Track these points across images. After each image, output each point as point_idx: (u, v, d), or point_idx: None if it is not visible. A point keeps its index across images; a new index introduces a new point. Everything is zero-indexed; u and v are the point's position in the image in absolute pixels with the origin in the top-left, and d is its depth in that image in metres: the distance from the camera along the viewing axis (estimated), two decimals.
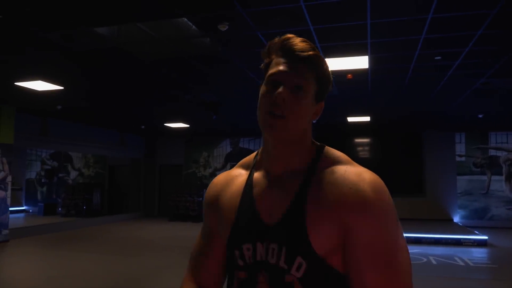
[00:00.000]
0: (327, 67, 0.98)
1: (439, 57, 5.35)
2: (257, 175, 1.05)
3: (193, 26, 4.33)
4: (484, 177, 11.93)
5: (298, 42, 0.94)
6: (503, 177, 11.80)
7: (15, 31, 4.42)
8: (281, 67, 0.94)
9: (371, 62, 5.52)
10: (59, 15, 4.04)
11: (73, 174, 15.10)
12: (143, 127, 11.88)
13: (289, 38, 0.96)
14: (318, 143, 1.03)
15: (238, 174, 1.11)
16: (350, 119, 10.03)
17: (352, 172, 0.92)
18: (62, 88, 6.86)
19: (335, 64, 5.53)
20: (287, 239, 0.91)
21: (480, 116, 9.53)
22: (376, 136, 12.72)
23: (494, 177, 11.86)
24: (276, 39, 0.98)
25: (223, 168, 14.05)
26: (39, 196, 15.37)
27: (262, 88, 0.97)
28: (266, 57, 1.01)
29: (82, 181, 14.77)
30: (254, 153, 1.13)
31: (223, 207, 1.06)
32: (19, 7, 3.83)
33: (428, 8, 3.86)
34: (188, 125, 11.38)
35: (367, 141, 12.97)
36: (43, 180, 15.43)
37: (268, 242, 0.94)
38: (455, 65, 5.67)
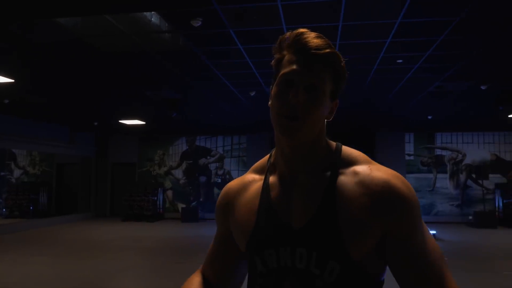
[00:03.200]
0: (343, 64, 0.94)
1: (400, 61, 5.58)
2: (272, 178, 1.01)
3: (157, 20, 4.21)
4: (431, 175, 12.62)
5: (312, 38, 0.90)
6: (448, 175, 12.54)
7: None
8: (295, 66, 0.90)
9: None
10: (19, 6, 3.77)
11: (17, 172, 14.21)
12: (96, 123, 11.39)
13: (302, 33, 0.91)
14: (334, 142, 1.02)
15: (252, 180, 1.07)
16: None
17: (378, 171, 0.92)
18: (12, 81, 6.42)
19: None
20: (318, 243, 0.89)
21: (430, 117, 10.07)
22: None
23: (439, 175, 12.57)
24: (288, 34, 0.93)
25: (179, 166, 13.82)
26: None
27: (275, 88, 0.93)
28: (277, 52, 0.96)
29: (27, 180, 13.94)
30: (267, 156, 1.09)
31: (240, 214, 1.03)
32: None
33: (398, 13, 4.00)
34: (144, 122, 11.07)
35: None
36: None
37: (294, 246, 0.91)
38: (414, 69, 5.93)
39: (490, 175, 12.05)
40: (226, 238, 1.08)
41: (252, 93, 7.51)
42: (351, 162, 0.95)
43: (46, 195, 13.15)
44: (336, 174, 0.93)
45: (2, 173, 14.27)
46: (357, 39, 4.80)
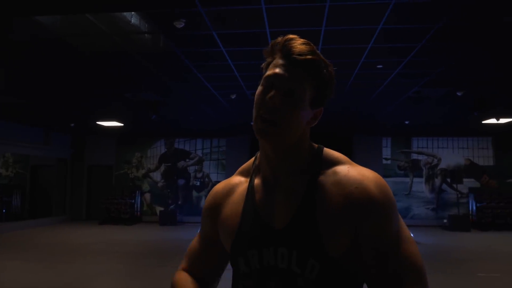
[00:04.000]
0: (328, 71, 0.94)
1: (380, 66, 5.67)
2: (257, 180, 1.04)
3: (137, 20, 4.16)
4: (407, 179, 12.85)
5: (298, 44, 0.92)
6: (423, 179, 12.80)
7: None
8: (277, 70, 0.92)
9: None
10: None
11: None
12: (72, 125, 11.15)
13: (291, 39, 0.93)
14: (316, 145, 1.04)
15: (239, 182, 1.09)
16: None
17: (354, 171, 0.94)
18: None
19: None
20: (298, 242, 0.91)
21: (407, 122, 10.26)
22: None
23: (415, 179, 12.82)
24: (280, 39, 0.95)
25: (157, 169, 13.66)
26: None
27: (258, 89, 0.95)
28: (268, 56, 0.98)
29: (0, 182, 13.50)
30: (253, 158, 1.11)
31: (225, 216, 1.05)
32: None
33: (379, 19, 4.07)
34: (122, 124, 10.89)
35: None
36: None
37: (276, 246, 0.93)
38: (393, 74, 6.04)
39: (464, 180, 12.35)
40: (213, 240, 1.09)
41: (233, 96, 7.50)
42: (332, 163, 0.98)
43: (20, 198, 12.77)
44: (317, 175, 0.96)
45: None
46: (339, 43, 4.85)
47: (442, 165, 12.75)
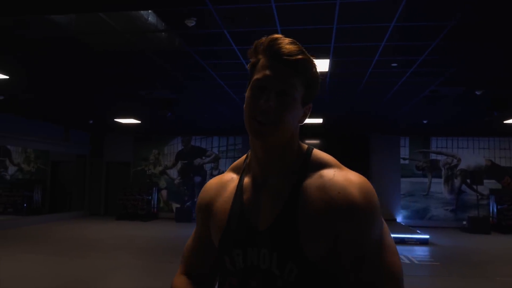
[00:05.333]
0: (315, 70, 0.96)
1: (395, 64, 5.59)
2: (246, 179, 1.04)
3: (154, 19, 4.19)
4: (425, 180, 12.63)
5: (286, 44, 0.92)
6: (442, 180, 12.56)
7: None
8: (267, 72, 0.92)
9: (331, 65, 5.65)
10: (13, 1, 3.75)
11: (12, 169, 14.12)
12: (91, 122, 11.35)
13: (276, 39, 0.93)
14: (306, 146, 1.03)
15: (230, 179, 1.09)
16: (303, 120, 10.19)
17: (340, 176, 0.94)
18: (7, 77, 6.39)
19: None
20: (278, 245, 0.91)
21: (425, 121, 10.08)
22: (325, 137, 13.06)
23: (434, 180, 12.59)
24: (263, 39, 0.95)
25: (174, 166, 13.79)
26: None
27: (248, 92, 0.95)
28: (252, 56, 0.98)
29: (22, 177, 13.86)
30: (244, 156, 1.11)
31: (216, 213, 1.05)
32: None
33: (392, 17, 4.00)
34: (139, 122, 11.04)
35: (317, 143, 13.29)
36: None
37: (259, 247, 0.94)
38: (408, 73, 5.94)
39: (485, 181, 12.04)
40: (209, 237, 1.09)
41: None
42: (320, 165, 0.97)
43: (40, 193, 13.07)
44: (303, 177, 0.96)
45: None
46: (352, 42, 4.80)
47: (462, 165, 12.48)
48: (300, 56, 0.91)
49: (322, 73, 5.97)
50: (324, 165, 0.97)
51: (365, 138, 12.95)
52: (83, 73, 6.40)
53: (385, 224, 0.95)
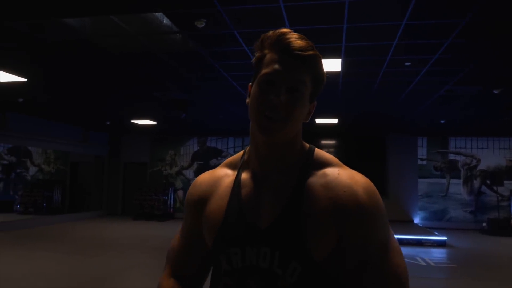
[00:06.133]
0: (323, 66, 0.94)
1: (408, 63, 5.51)
2: (244, 175, 1.01)
3: (168, 22, 4.25)
4: (444, 180, 12.41)
5: (296, 39, 0.89)
6: (461, 181, 12.31)
7: None
8: (277, 66, 0.89)
9: (343, 65, 5.61)
10: (28, 5, 3.85)
11: (32, 170, 14.47)
12: (108, 123, 11.55)
13: (285, 34, 0.90)
14: (308, 145, 1.01)
15: (225, 175, 1.05)
16: (319, 120, 10.16)
17: (345, 175, 0.93)
18: (25, 80, 6.56)
19: None
20: (282, 243, 0.89)
21: (442, 121, 9.91)
22: (341, 138, 12.97)
23: (452, 181, 12.36)
24: (271, 33, 0.93)
25: (190, 167, 13.90)
26: None
27: (255, 88, 0.93)
28: (258, 50, 0.95)
29: (42, 177, 14.19)
30: (241, 152, 1.08)
31: (210, 210, 1.01)
32: None
33: (403, 15, 3.96)
34: (155, 123, 11.17)
35: (333, 143, 13.21)
36: None
37: (259, 246, 0.90)
38: (423, 72, 5.85)
39: (505, 182, 11.78)
40: (198, 236, 1.04)
41: None
42: (322, 164, 0.96)
43: (60, 193, 13.36)
44: (306, 175, 0.94)
45: (18, 170, 14.56)
46: (363, 41, 4.76)
47: (482, 166, 12.22)
48: (311, 52, 0.89)
49: (334, 73, 5.95)
50: (327, 164, 0.96)
51: (381, 139, 12.81)
52: (99, 75, 6.52)
53: (389, 226, 0.94)
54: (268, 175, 0.96)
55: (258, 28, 4.35)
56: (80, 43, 4.94)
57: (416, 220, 12.31)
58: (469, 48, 4.84)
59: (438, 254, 8.20)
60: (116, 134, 14.19)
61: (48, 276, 5.78)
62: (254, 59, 0.96)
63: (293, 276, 0.87)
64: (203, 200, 1.04)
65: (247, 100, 0.98)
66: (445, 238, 9.17)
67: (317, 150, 1.00)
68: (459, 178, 12.33)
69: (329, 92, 7.25)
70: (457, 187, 12.32)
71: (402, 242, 8.95)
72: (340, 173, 0.93)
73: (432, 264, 7.15)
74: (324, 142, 13.13)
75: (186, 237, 1.09)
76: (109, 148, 14.29)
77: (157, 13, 4.06)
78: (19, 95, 7.94)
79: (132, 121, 10.89)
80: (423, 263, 7.15)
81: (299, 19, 4.11)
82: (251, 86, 0.96)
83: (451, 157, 12.45)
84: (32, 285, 5.33)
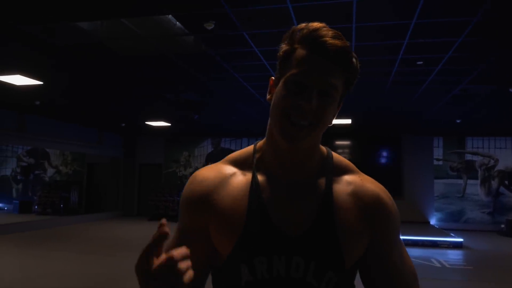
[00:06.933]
0: (357, 67, 0.86)
1: (421, 62, 5.45)
2: (263, 178, 0.91)
3: (179, 24, 4.30)
4: (460, 181, 12.20)
5: (332, 38, 0.80)
6: (479, 181, 12.09)
7: None
8: (308, 67, 0.81)
9: None
10: (40, 9, 3.94)
11: (50, 171, 14.78)
12: (123, 125, 11.71)
13: (319, 29, 0.81)
14: (324, 148, 0.98)
15: (233, 173, 0.93)
16: (333, 121, 10.09)
17: (369, 183, 0.94)
18: (41, 83, 6.71)
19: None
20: (317, 253, 0.85)
21: (458, 121, 9.75)
22: (356, 138, 12.87)
23: (470, 181, 12.14)
24: (303, 25, 0.84)
25: None
26: (14, 194, 15.00)
27: (282, 87, 0.84)
28: (287, 42, 0.85)
29: (60, 178, 14.47)
30: (249, 149, 0.97)
31: (224, 213, 0.89)
32: None
33: (412, 14, 3.92)
34: (169, 124, 11.28)
35: (348, 144, 13.10)
36: (18, 177, 15.06)
37: (289, 255, 0.84)
38: (435, 71, 5.78)
39: None
40: (200, 238, 0.91)
41: None
42: (342, 170, 0.95)
43: (77, 194, 13.62)
44: (331, 182, 0.91)
45: (36, 172, 14.88)
46: (374, 40, 4.73)
47: (500, 166, 11.98)
48: (348, 54, 0.81)
49: None
50: (347, 170, 0.95)
51: (396, 139, 12.66)
52: (113, 78, 6.63)
53: None
54: (290, 179, 0.90)
55: (266, 29, 4.36)
56: (93, 46, 5.03)
57: (432, 221, 12.14)
58: (482, 46, 4.77)
59: (454, 255, 8.07)
60: (131, 135, 14.38)
61: (64, 276, 5.89)
62: (281, 51, 0.87)
63: (328, 286, 0.84)
64: (208, 198, 0.91)
65: (268, 96, 0.91)
66: (461, 239, 9.02)
67: (334, 154, 0.98)
68: (476, 178, 12.11)
69: None
70: (475, 188, 12.10)
71: (417, 243, 8.84)
72: (363, 181, 0.94)
73: (447, 265, 7.04)
74: (338, 142, 13.04)
75: (184, 240, 0.90)
76: (124, 150, 14.47)
77: (169, 16, 4.12)
78: (35, 98, 8.11)
79: (146, 122, 11.02)
80: (438, 265, 7.05)
81: (308, 19, 4.08)
82: (274, 81, 0.89)
83: (468, 157, 12.23)
84: (48, 285, 5.44)
